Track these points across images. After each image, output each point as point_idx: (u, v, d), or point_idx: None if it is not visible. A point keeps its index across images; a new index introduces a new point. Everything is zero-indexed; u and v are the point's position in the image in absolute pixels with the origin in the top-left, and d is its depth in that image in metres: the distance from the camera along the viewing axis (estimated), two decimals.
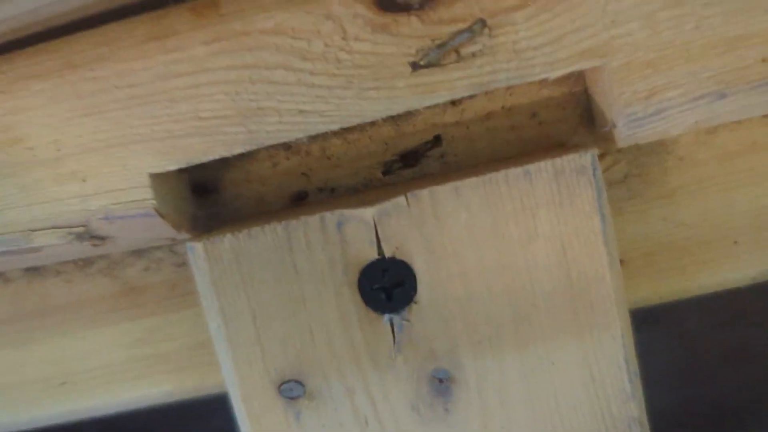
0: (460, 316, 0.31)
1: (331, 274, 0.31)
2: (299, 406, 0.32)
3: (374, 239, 0.31)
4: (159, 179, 0.32)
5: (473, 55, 0.30)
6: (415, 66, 0.30)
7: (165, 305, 0.39)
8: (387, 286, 0.31)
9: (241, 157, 0.35)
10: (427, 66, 0.30)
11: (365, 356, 0.31)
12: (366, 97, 0.30)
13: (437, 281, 0.31)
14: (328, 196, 0.36)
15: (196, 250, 0.31)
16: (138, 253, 0.39)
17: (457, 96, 0.30)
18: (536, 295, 0.31)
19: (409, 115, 0.35)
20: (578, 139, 0.35)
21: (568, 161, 0.30)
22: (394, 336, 0.31)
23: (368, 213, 0.30)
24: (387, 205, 0.30)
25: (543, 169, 0.30)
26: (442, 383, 0.32)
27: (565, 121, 0.35)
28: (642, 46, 0.29)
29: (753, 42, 0.29)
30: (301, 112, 0.31)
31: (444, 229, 0.30)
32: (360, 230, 0.31)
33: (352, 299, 0.31)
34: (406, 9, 0.29)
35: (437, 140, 0.36)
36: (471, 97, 0.34)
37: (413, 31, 0.29)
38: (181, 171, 0.33)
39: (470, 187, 0.30)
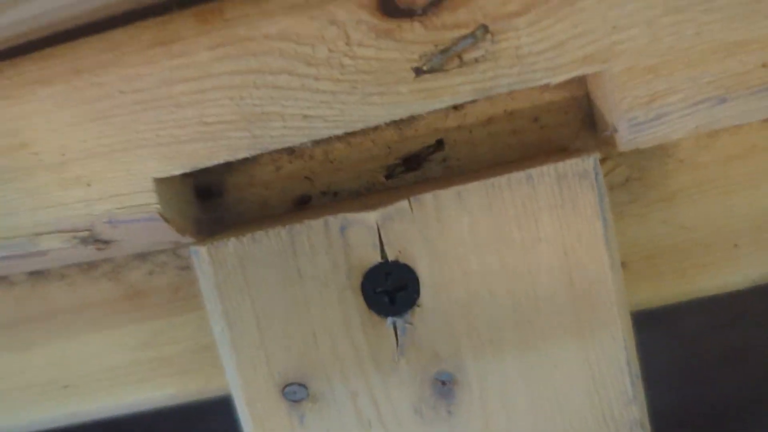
0: (463, 319, 0.31)
1: (335, 277, 0.31)
2: (303, 408, 0.32)
3: (377, 243, 0.31)
4: (163, 184, 0.33)
5: (476, 60, 0.30)
6: (418, 71, 0.30)
7: (169, 308, 0.39)
8: (390, 289, 0.31)
9: (245, 161, 0.36)
10: (431, 71, 0.30)
11: (368, 359, 0.32)
12: (370, 102, 0.31)
13: (440, 284, 0.31)
14: (331, 199, 0.37)
15: (201, 254, 0.31)
16: (142, 256, 0.39)
17: (459, 101, 0.31)
18: (538, 298, 0.31)
19: (411, 119, 0.35)
20: (580, 143, 0.35)
21: (571, 165, 0.30)
22: (397, 339, 0.32)
23: (371, 217, 0.31)
24: (390, 209, 0.31)
25: (545, 173, 0.30)
26: (444, 386, 0.32)
27: (567, 126, 0.35)
28: (643, 51, 0.29)
29: (753, 47, 0.29)
30: (305, 117, 0.31)
31: (447, 232, 0.31)
32: (363, 234, 0.31)
33: (355, 303, 0.31)
34: (409, 15, 0.29)
35: (440, 144, 0.36)
36: (473, 101, 0.34)
37: (416, 37, 0.29)
38: (185, 175, 0.33)
39: (473, 191, 0.30)
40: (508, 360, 0.31)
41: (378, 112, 0.31)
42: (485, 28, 0.29)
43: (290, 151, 0.36)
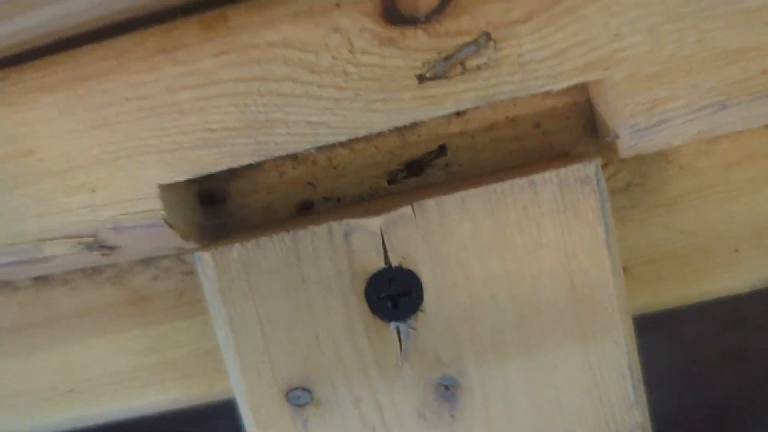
0: (466, 323, 0.31)
1: (339, 283, 0.31)
2: (307, 413, 0.33)
3: (381, 248, 0.31)
4: (168, 190, 0.33)
5: (478, 67, 0.30)
6: (421, 78, 0.30)
7: (172, 313, 0.40)
8: (393, 294, 0.31)
9: (249, 166, 0.36)
10: (433, 78, 0.30)
11: (372, 364, 0.32)
12: (373, 109, 0.31)
13: (443, 290, 0.31)
14: (334, 205, 0.37)
15: (205, 260, 0.31)
16: (146, 261, 0.39)
17: (462, 108, 0.31)
18: (541, 303, 0.31)
19: (414, 125, 0.35)
20: (581, 148, 0.35)
21: (573, 171, 0.30)
22: (400, 344, 0.32)
23: (375, 223, 0.31)
24: (394, 214, 0.31)
25: (548, 179, 0.30)
26: (447, 390, 0.32)
27: (569, 131, 0.35)
28: (645, 58, 0.30)
29: (753, 54, 0.30)
30: (309, 123, 0.31)
31: (450, 238, 0.31)
32: (367, 240, 0.31)
33: (359, 308, 0.31)
34: (412, 22, 0.29)
35: (442, 150, 0.36)
36: (475, 107, 0.34)
37: (420, 44, 0.30)
38: (189, 181, 0.33)
39: (476, 196, 0.30)
40: (511, 364, 0.32)
41: (381, 119, 0.31)
42: (488, 36, 0.29)
43: (294, 156, 0.36)
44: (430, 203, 0.31)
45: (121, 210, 0.32)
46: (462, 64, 0.30)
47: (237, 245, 0.31)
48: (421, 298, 0.31)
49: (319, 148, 0.35)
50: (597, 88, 0.33)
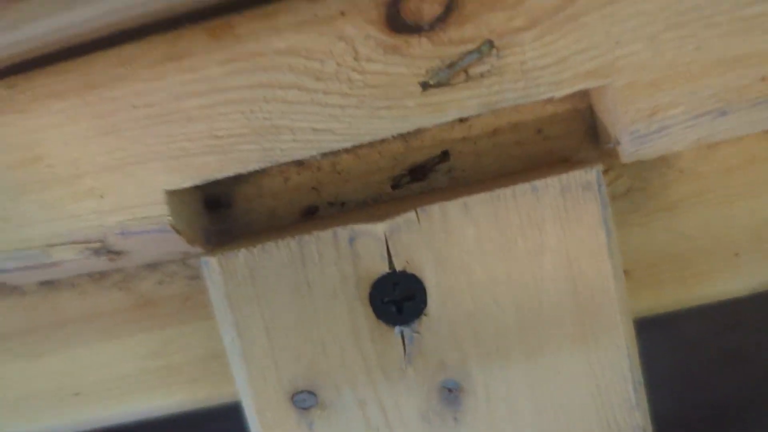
0: (469, 327, 0.32)
1: (343, 287, 0.32)
2: (312, 416, 0.33)
3: (385, 253, 0.31)
4: (174, 196, 0.33)
5: (482, 75, 0.30)
6: (425, 86, 0.31)
7: (178, 317, 0.40)
8: (398, 299, 0.32)
9: (254, 172, 0.36)
10: (437, 86, 0.31)
11: (377, 367, 0.32)
12: (378, 116, 0.31)
13: (447, 294, 0.31)
14: (339, 210, 0.37)
15: (211, 265, 0.32)
16: (152, 266, 0.39)
17: (465, 114, 0.31)
18: (543, 307, 0.31)
19: (417, 131, 0.36)
20: (583, 154, 0.36)
21: (574, 177, 0.30)
22: (404, 348, 0.32)
23: (379, 228, 0.31)
24: (398, 220, 0.31)
25: (550, 185, 0.30)
26: (451, 393, 0.32)
27: (570, 137, 0.36)
28: (645, 66, 0.30)
29: (752, 62, 0.30)
30: (314, 130, 0.31)
31: (453, 243, 0.31)
32: (371, 245, 0.31)
33: (363, 312, 0.32)
34: (416, 30, 0.30)
35: (445, 155, 0.36)
36: (478, 113, 0.35)
37: (423, 52, 0.30)
38: (195, 187, 0.34)
39: (479, 202, 0.31)
40: (514, 367, 0.32)
41: (385, 126, 0.31)
42: (491, 44, 0.30)
43: (298, 162, 0.36)
44: (434, 209, 0.31)
45: (129, 216, 0.33)
46: (465, 71, 0.30)
47: (243, 250, 0.32)
48: (424, 302, 0.32)
49: (324, 154, 0.36)
50: (598, 94, 0.33)
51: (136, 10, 0.29)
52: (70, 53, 0.31)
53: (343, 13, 0.30)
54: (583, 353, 0.32)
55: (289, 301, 0.32)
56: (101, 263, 0.35)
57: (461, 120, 0.36)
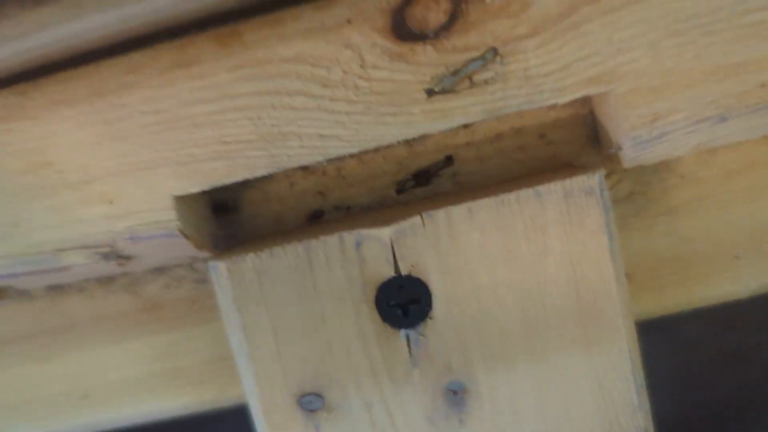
0: (474, 330, 0.32)
1: (350, 291, 0.32)
2: (318, 418, 0.33)
3: (391, 258, 0.32)
4: (182, 201, 0.34)
5: (486, 82, 0.31)
6: (430, 92, 0.31)
7: (185, 320, 0.40)
8: (403, 302, 0.32)
9: (260, 177, 0.36)
10: (442, 92, 0.31)
11: (383, 370, 0.33)
12: (383, 122, 0.32)
13: (451, 297, 0.32)
14: (344, 214, 0.38)
15: (220, 269, 0.32)
16: (159, 270, 0.40)
17: (470, 120, 0.32)
18: (546, 310, 0.32)
19: (422, 136, 0.36)
20: (585, 159, 0.36)
21: (577, 182, 0.31)
22: (410, 351, 0.33)
23: (385, 233, 0.32)
24: (403, 224, 0.32)
25: (553, 190, 0.31)
26: (456, 395, 0.33)
27: (573, 142, 0.36)
28: (646, 73, 0.30)
29: (751, 68, 0.30)
30: (321, 136, 0.32)
31: (458, 247, 0.32)
32: (377, 249, 0.32)
33: (369, 316, 0.32)
34: (421, 38, 0.30)
35: (449, 160, 0.37)
36: (482, 119, 0.35)
37: (429, 60, 0.31)
38: (203, 192, 0.34)
39: (483, 207, 0.31)
40: (517, 370, 0.32)
41: (391, 132, 0.32)
42: (495, 51, 0.30)
43: (304, 167, 0.37)
44: (439, 213, 0.31)
45: (138, 221, 0.33)
46: (470, 78, 0.31)
47: (251, 255, 0.32)
48: (430, 305, 0.32)
49: (330, 159, 0.36)
50: (600, 101, 0.33)
51: (145, 19, 0.30)
52: (80, 61, 0.32)
53: (349, 21, 0.30)
54: (586, 356, 0.32)
55: (296, 305, 0.32)
56: (110, 268, 0.35)
57: (465, 125, 0.36)
